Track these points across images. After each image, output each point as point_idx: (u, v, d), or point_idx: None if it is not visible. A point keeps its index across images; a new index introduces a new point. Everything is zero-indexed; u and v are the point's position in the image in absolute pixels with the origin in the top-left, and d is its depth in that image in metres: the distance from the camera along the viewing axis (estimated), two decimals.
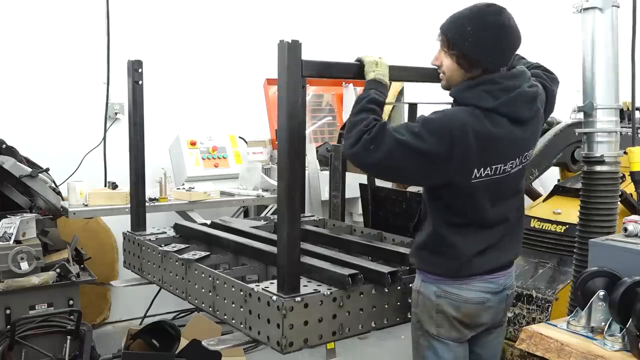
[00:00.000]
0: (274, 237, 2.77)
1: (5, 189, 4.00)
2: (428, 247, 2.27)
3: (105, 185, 4.81)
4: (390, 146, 2.03)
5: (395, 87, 6.65)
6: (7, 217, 3.76)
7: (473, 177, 2.09)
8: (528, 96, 2.17)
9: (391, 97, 6.63)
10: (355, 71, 2.44)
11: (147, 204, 3.79)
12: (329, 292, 2.37)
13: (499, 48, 2.12)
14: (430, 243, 2.26)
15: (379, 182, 4.26)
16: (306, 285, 2.42)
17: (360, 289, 2.45)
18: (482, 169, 2.10)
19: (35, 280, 3.53)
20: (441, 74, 2.26)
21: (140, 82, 3.47)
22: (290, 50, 2.22)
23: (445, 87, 2.28)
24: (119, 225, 4.31)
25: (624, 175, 2.93)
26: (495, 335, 2.43)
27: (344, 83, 6.02)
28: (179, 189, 4.63)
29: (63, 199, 4.25)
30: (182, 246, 3.16)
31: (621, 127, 2.75)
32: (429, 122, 2.06)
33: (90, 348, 3.59)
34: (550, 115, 4.69)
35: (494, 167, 2.12)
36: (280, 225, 2.32)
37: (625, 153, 2.84)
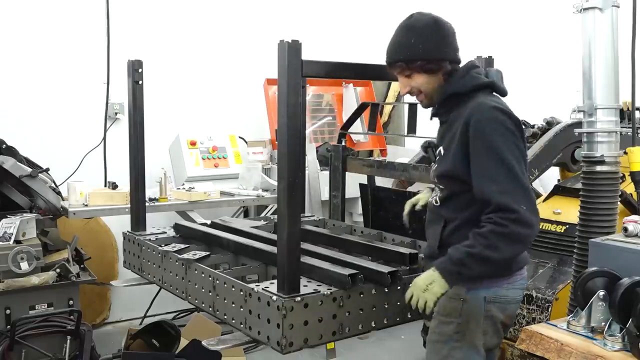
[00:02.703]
0: (274, 237, 2.77)
1: (5, 189, 4.00)
2: None
3: (105, 185, 4.81)
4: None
5: (395, 87, 6.65)
6: (7, 217, 3.76)
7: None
8: (500, 72, 2.30)
9: (391, 97, 6.64)
10: (355, 71, 2.44)
11: (147, 204, 3.79)
12: (329, 292, 2.37)
13: (445, 36, 2.24)
14: None
15: (379, 182, 4.27)
16: (306, 285, 2.42)
17: (360, 289, 2.45)
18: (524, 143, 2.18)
19: (35, 280, 3.53)
20: (419, 96, 2.30)
21: (140, 82, 3.47)
22: (290, 50, 2.22)
23: (428, 104, 2.32)
24: (119, 225, 4.31)
25: (624, 175, 2.93)
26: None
27: (344, 83, 6.02)
28: (179, 189, 4.63)
29: (63, 199, 4.25)
30: (182, 246, 3.16)
31: (621, 127, 2.75)
32: (502, 120, 2.10)
33: (90, 348, 3.59)
34: (551, 115, 4.72)
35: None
36: (280, 225, 2.32)
37: (625, 153, 2.84)
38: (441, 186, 2.28)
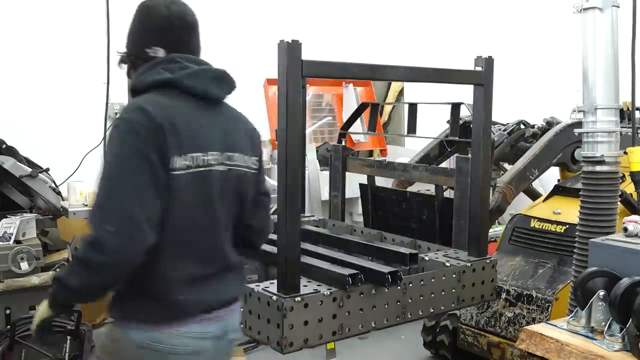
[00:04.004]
0: (274, 237, 2.77)
1: (5, 189, 4.00)
2: (129, 287, 1.79)
3: None
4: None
5: (395, 87, 6.66)
6: (7, 217, 3.75)
7: (172, 166, 1.74)
8: (214, 72, 1.96)
9: (391, 97, 6.64)
10: (355, 71, 2.44)
11: None
12: (329, 292, 2.37)
13: (138, 29, 1.92)
14: (130, 280, 1.76)
15: (379, 182, 4.27)
16: (306, 285, 2.42)
17: (360, 289, 2.45)
18: (180, 157, 1.76)
19: (35, 280, 3.53)
20: None
21: None
22: (290, 50, 2.22)
23: None
24: None
25: (624, 175, 2.93)
26: None
27: (344, 83, 6.03)
28: None
29: (63, 199, 4.25)
30: None
31: (621, 127, 2.75)
32: (134, 121, 1.73)
33: (90, 348, 3.58)
34: (551, 115, 4.73)
35: (192, 155, 1.78)
36: (280, 225, 2.32)
37: (626, 153, 2.85)
38: None
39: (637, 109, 3.22)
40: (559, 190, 3.89)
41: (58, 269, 3.65)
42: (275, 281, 2.42)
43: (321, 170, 5.07)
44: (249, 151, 1.97)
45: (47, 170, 4.18)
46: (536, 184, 4.91)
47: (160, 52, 1.90)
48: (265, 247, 2.95)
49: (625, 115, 3.81)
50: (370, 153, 6.12)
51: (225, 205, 1.89)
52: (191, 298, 1.80)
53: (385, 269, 2.53)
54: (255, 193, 2.02)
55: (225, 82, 1.98)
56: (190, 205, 1.79)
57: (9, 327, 3.42)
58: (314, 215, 4.14)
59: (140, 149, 1.70)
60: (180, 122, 1.78)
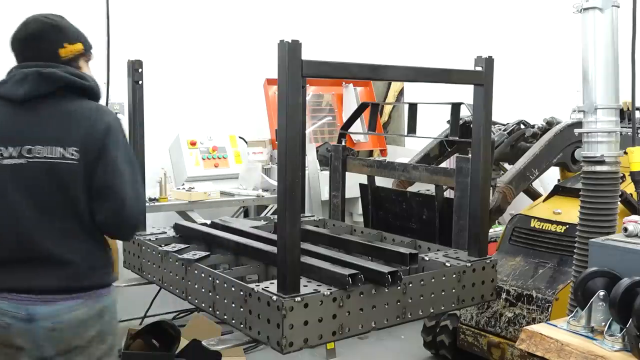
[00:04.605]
0: (274, 237, 2.77)
1: None
2: None
3: None
4: None
5: (395, 87, 6.66)
6: None
7: None
8: (20, 75, 2.16)
9: (391, 97, 6.65)
10: (355, 71, 2.44)
11: (147, 204, 3.79)
12: (329, 292, 2.37)
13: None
14: None
15: (379, 182, 4.27)
16: (306, 285, 2.42)
17: (360, 289, 2.45)
18: None
19: None
20: None
21: (140, 82, 3.47)
22: (290, 50, 2.22)
23: None
24: None
25: (624, 175, 2.93)
26: None
27: (344, 83, 6.03)
28: (179, 189, 4.62)
29: None
30: (182, 246, 3.16)
31: (621, 127, 2.75)
32: None
33: None
34: (551, 115, 4.73)
35: None
36: (280, 225, 2.32)
37: (626, 153, 2.85)
38: None
39: (637, 109, 3.22)
40: (559, 190, 3.89)
41: None
42: (275, 281, 2.41)
43: (321, 170, 5.07)
44: (63, 142, 2.10)
45: None
46: (536, 184, 4.91)
47: None
48: (265, 247, 2.96)
49: (625, 115, 3.81)
50: (370, 153, 6.12)
51: (36, 195, 2.10)
52: None
53: (385, 269, 2.53)
54: (94, 185, 2.14)
55: (26, 82, 2.14)
56: None
57: None
58: (314, 215, 4.15)
59: None
60: None
